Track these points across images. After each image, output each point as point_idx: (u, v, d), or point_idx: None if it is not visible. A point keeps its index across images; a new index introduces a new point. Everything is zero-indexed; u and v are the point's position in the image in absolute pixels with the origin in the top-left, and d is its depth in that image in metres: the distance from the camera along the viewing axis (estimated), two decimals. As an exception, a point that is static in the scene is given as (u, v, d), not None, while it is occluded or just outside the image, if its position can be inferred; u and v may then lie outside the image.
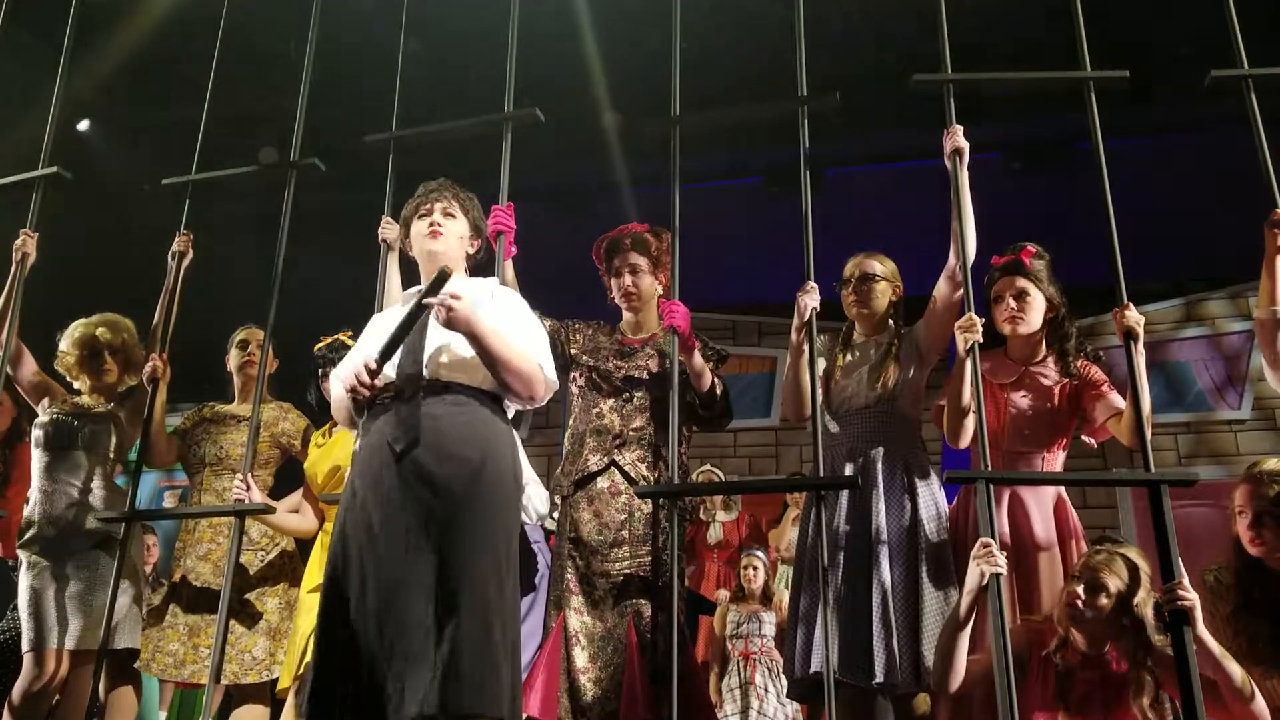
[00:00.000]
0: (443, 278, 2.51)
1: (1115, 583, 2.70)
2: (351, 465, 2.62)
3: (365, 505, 2.47)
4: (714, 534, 6.70)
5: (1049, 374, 3.26)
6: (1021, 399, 3.25)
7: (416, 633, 2.33)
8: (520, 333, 2.67)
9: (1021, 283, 3.24)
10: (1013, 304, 3.24)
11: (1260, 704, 2.61)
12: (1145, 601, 2.71)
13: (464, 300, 2.49)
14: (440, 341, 2.58)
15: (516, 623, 2.51)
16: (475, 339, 2.53)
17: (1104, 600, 2.69)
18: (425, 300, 2.51)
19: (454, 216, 2.84)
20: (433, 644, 2.30)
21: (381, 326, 2.78)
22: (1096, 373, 3.23)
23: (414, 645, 2.32)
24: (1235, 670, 2.59)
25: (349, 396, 2.60)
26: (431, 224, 2.80)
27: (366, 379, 2.51)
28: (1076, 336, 3.30)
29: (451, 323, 2.48)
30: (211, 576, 3.73)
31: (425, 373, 2.56)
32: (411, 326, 2.54)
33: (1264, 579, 2.92)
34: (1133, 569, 2.73)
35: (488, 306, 2.64)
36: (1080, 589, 2.73)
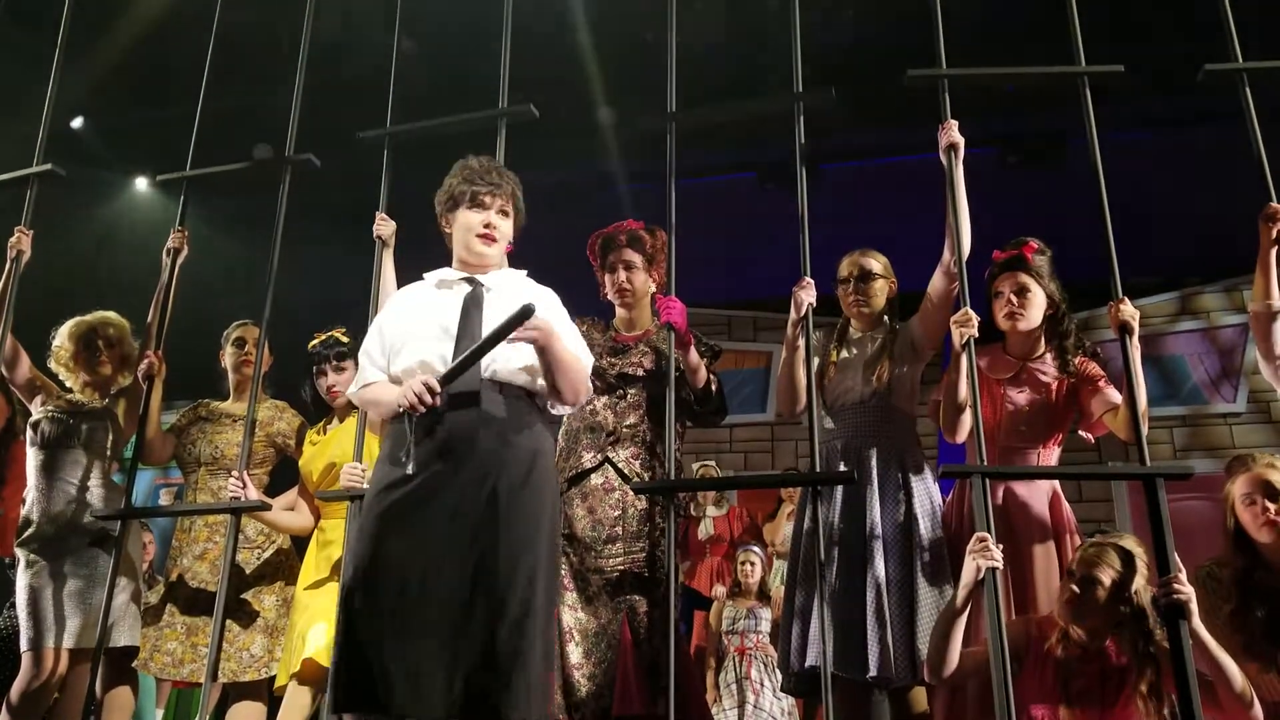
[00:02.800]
0: (525, 314, 2.42)
1: (1108, 574, 2.71)
2: (389, 459, 2.54)
3: (414, 501, 2.43)
4: (705, 529, 6.71)
5: (1047, 370, 3.25)
6: (1019, 394, 3.25)
7: (464, 633, 2.32)
8: (572, 338, 2.67)
9: (1023, 278, 3.23)
10: (1013, 300, 3.23)
11: (1258, 711, 2.61)
12: (1144, 590, 2.72)
13: (545, 324, 2.49)
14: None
15: (554, 624, 2.50)
16: (547, 352, 2.53)
17: (1099, 593, 2.70)
18: (512, 337, 2.45)
19: (507, 216, 2.76)
20: (480, 645, 2.30)
21: (414, 316, 2.66)
22: (1094, 368, 3.23)
23: (462, 646, 2.31)
24: (1236, 676, 2.59)
25: (403, 407, 2.47)
26: (487, 225, 2.69)
27: (430, 400, 2.42)
28: (1076, 333, 3.29)
29: (532, 342, 2.49)
30: (209, 576, 3.72)
31: (482, 373, 2.54)
32: (480, 357, 2.46)
33: (1261, 572, 2.93)
34: (1126, 557, 2.74)
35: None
36: (1075, 585, 2.74)
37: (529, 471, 2.48)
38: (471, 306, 2.62)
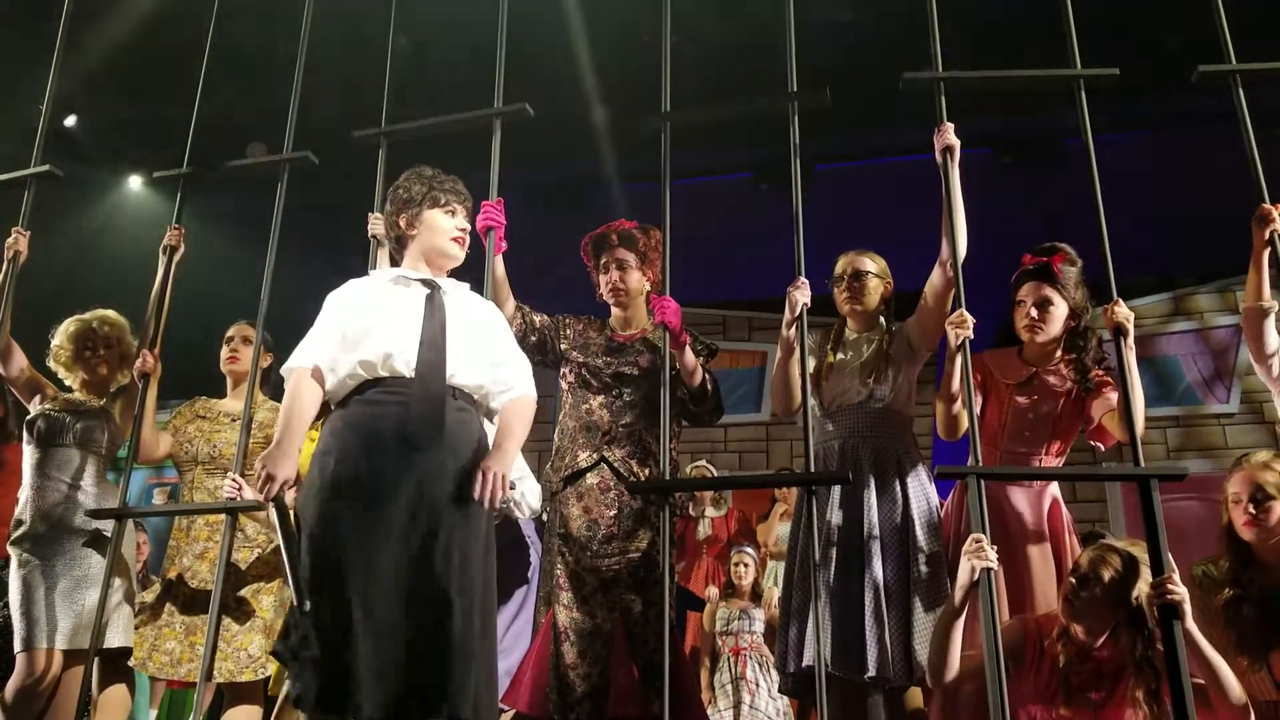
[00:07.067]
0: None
1: (1108, 573, 2.72)
2: (336, 447, 2.53)
3: (362, 495, 2.45)
4: (703, 530, 6.72)
5: (1059, 379, 3.25)
6: (1026, 400, 3.24)
7: (417, 634, 2.33)
8: (506, 372, 2.74)
9: (1046, 290, 3.20)
10: (1034, 313, 3.22)
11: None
12: (1144, 594, 2.73)
13: (493, 482, 2.50)
14: (459, 347, 2.61)
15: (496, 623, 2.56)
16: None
17: (1097, 591, 2.71)
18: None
19: (468, 228, 2.84)
20: (438, 648, 2.33)
21: (376, 309, 2.66)
22: (1105, 378, 3.22)
23: (418, 648, 2.32)
24: (1233, 684, 2.60)
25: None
26: (461, 229, 2.80)
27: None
28: (1098, 345, 3.26)
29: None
30: (209, 575, 3.69)
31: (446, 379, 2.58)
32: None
33: (1254, 569, 2.95)
34: (1130, 560, 2.74)
35: (482, 316, 2.75)
36: (1074, 581, 2.75)
37: (471, 478, 2.50)
38: (433, 307, 2.66)
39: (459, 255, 2.80)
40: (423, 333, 2.59)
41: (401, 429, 2.49)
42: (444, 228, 2.78)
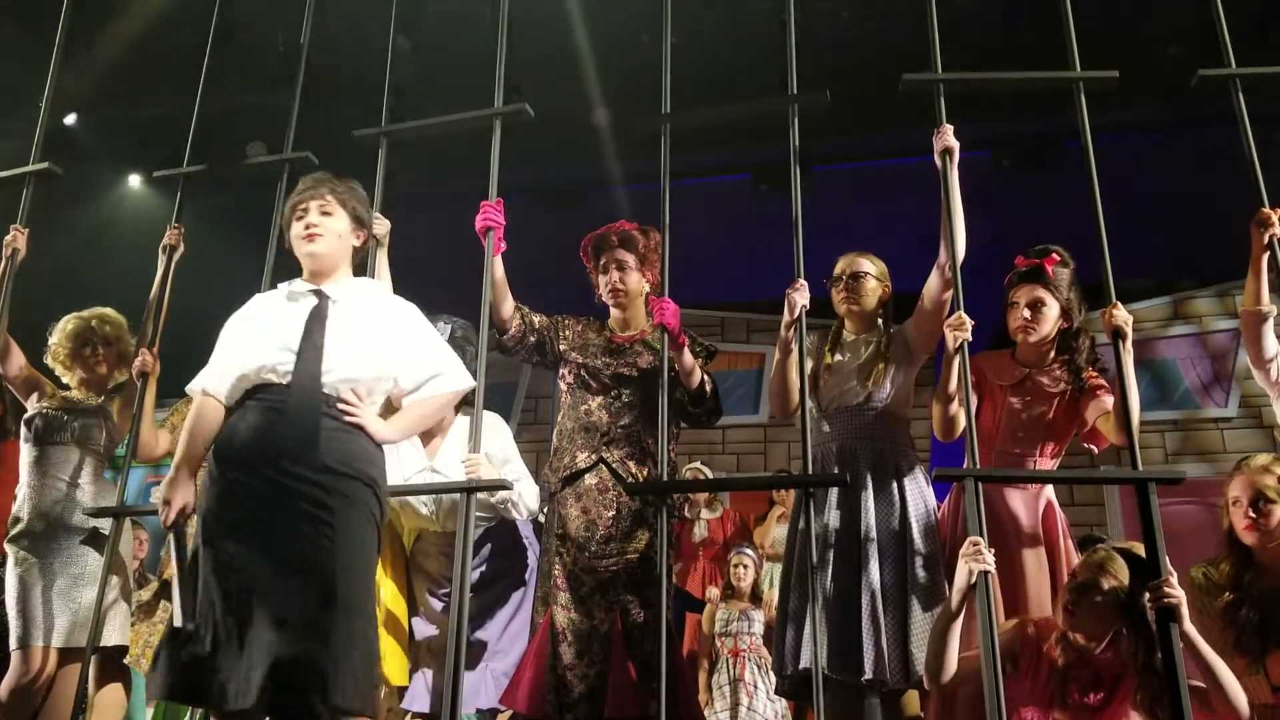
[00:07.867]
0: None
1: (1109, 581, 2.71)
2: (214, 457, 2.56)
3: (237, 500, 2.46)
4: (699, 532, 6.72)
5: (1052, 380, 3.24)
6: (1020, 402, 3.24)
7: (299, 631, 2.33)
8: (415, 365, 2.74)
9: (1039, 292, 3.20)
10: (1026, 314, 3.21)
11: None
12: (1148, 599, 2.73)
13: (355, 409, 2.58)
14: (336, 354, 2.60)
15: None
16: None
17: (1096, 600, 2.71)
18: None
19: (330, 214, 2.76)
20: (322, 644, 2.32)
21: (258, 325, 2.68)
22: (1097, 379, 3.23)
23: (297, 643, 2.31)
24: (1235, 689, 2.59)
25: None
26: (308, 226, 2.72)
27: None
28: (1091, 347, 3.26)
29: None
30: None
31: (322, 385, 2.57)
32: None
33: (1254, 572, 2.96)
34: (1131, 565, 2.74)
35: (379, 319, 2.72)
36: (1076, 586, 2.74)
37: (349, 485, 2.51)
38: (315, 319, 2.64)
39: (314, 250, 2.71)
40: (301, 343, 2.59)
41: (273, 435, 2.49)
42: (296, 233, 2.75)
